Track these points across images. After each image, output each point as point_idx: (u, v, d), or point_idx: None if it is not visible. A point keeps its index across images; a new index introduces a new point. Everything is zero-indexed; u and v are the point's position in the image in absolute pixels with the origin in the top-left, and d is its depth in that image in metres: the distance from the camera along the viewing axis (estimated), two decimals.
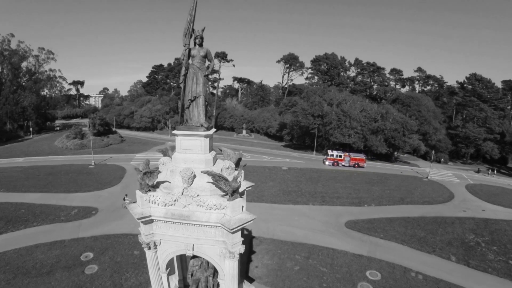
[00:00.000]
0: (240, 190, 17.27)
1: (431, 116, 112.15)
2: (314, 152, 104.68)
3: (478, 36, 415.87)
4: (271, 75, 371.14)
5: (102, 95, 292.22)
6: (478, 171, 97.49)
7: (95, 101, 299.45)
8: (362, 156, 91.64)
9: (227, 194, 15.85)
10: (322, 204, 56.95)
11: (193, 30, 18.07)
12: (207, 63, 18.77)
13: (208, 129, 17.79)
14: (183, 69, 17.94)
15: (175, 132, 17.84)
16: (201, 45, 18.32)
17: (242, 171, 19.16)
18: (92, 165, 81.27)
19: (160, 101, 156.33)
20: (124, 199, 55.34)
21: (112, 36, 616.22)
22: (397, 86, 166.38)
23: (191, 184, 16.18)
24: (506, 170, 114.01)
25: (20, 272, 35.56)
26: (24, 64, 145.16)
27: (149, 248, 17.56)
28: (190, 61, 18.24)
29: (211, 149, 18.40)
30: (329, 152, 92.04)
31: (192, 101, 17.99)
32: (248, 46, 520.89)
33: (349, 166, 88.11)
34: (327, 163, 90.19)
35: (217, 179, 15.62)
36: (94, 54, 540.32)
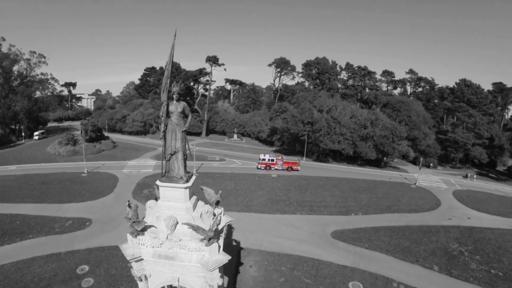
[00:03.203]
0: (220, 226, 19.72)
1: (421, 121, 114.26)
2: (304, 158, 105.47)
3: (470, 39, 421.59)
4: (264, 75, 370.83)
5: (95, 97, 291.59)
6: (466, 176, 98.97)
7: (88, 102, 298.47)
8: (295, 159, 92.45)
9: (205, 239, 17.85)
10: (309, 214, 57.89)
11: (170, 85, 19.56)
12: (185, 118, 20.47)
13: (187, 181, 19.64)
14: (162, 125, 19.60)
15: (158, 183, 19.72)
16: (178, 100, 19.79)
17: (222, 209, 22.08)
18: (85, 173, 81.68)
19: (152, 105, 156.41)
20: (129, 206, 56.65)
21: (105, 35, 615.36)
22: (389, 88, 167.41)
23: (174, 230, 18.37)
24: (495, 173, 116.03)
25: (19, 286, 36.37)
26: (15, 68, 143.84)
27: (141, 280, 19.67)
28: (168, 116, 19.96)
29: (191, 196, 20.27)
30: (261, 156, 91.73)
31: (172, 155, 19.69)
32: (241, 46, 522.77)
33: (282, 169, 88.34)
34: (259, 167, 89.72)
35: (196, 229, 17.78)
36: (87, 54, 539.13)
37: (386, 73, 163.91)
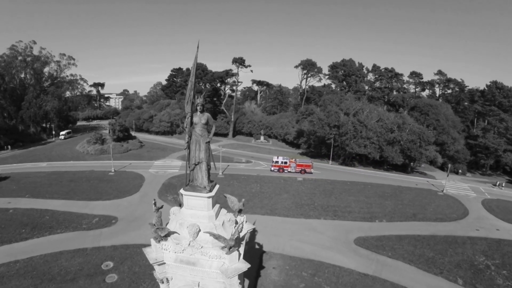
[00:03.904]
0: (242, 234, 20.04)
1: (450, 126, 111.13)
2: (330, 161, 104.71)
3: (503, 37, 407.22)
4: (291, 76, 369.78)
5: (122, 97, 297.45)
6: (496, 184, 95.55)
7: (115, 102, 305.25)
8: (308, 162, 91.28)
9: (226, 247, 18.33)
10: (333, 219, 57.34)
11: (194, 97, 19.96)
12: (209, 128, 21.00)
13: (210, 190, 20.19)
14: (187, 136, 20.12)
15: (182, 192, 20.36)
16: (202, 111, 20.17)
17: (244, 217, 22.46)
18: (112, 172, 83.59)
19: (179, 105, 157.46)
20: (154, 204, 58.13)
21: (132, 36, 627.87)
22: (417, 90, 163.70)
23: (196, 237, 18.92)
24: None
25: (46, 278, 37.92)
26: (46, 69, 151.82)
27: (163, 282, 20.41)
28: (192, 127, 20.46)
29: (214, 204, 20.82)
30: (274, 158, 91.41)
31: (196, 165, 20.15)
32: (268, 47, 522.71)
33: (295, 172, 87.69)
34: (272, 169, 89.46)
35: (217, 237, 18.27)
36: (115, 54, 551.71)
37: (414, 74, 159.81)
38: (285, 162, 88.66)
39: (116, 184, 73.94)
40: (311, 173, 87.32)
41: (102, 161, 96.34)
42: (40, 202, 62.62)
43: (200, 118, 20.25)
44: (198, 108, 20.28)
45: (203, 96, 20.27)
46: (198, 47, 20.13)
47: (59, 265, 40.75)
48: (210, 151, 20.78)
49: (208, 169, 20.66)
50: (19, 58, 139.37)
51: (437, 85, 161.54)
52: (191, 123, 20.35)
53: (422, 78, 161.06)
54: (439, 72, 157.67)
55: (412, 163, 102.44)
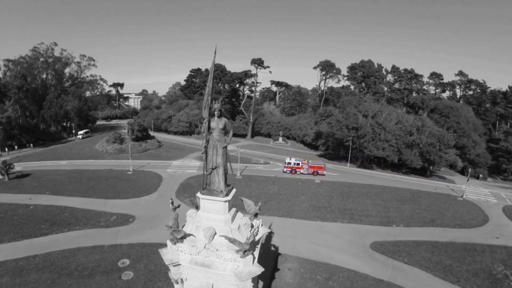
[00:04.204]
0: (257, 238, 20.43)
1: (471, 128, 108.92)
2: (348, 163, 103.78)
3: None
4: (310, 76, 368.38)
5: (141, 97, 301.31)
6: None
7: (134, 102, 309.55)
8: (321, 163, 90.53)
9: (241, 251, 18.52)
10: (350, 222, 56.84)
11: (211, 101, 20.11)
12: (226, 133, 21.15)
13: (227, 195, 20.37)
14: (204, 141, 20.29)
15: (199, 195, 20.63)
16: (220, 116, 20.30)
17: (260, 220, 22.62)
18: (130, 171, 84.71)
19: (198, 106, 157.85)
20: (172, 203, 59.11)
21: (151, 36, 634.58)
22: (437, 91, 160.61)
23: (212, 240, 19.17)
24: None
25: (64, 273, 39.06)
26: (67, 70, 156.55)
27: (177, 283, 20.78)
28: (210, 132, 20.63)
29: (230, 208, 20.98)
30: (287, 160, 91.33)
31: (213, 169, 20.39)
32: (286, 47, 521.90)
33: (307, 174, 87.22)
34: (285, 170, 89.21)
35: (232, 241, 18.50)
36: (134, 54, 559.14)
37: (434, 75, 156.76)
38: (298, 164, 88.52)
39: (134, 183, 74.94)
40: (324, 175, 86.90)
41: (120, 160, 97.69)
42: (60, 199, 64.28)
43: (218, 123, 20.39)
44: (215, 113, 20.39)
45: (220, 101, 20.32)
46: (215, 53, 20.28)
47: (77, 261, 41.94)
48: (227, 156, 20.99)
49: (225, 174, 20.86)
50: (41, 59, 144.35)
51: (458, 86, 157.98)
52: (209, 128, 20.49)
53: (442, 79, 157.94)
54: (460, 73, 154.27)
55: (431, 167, 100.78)
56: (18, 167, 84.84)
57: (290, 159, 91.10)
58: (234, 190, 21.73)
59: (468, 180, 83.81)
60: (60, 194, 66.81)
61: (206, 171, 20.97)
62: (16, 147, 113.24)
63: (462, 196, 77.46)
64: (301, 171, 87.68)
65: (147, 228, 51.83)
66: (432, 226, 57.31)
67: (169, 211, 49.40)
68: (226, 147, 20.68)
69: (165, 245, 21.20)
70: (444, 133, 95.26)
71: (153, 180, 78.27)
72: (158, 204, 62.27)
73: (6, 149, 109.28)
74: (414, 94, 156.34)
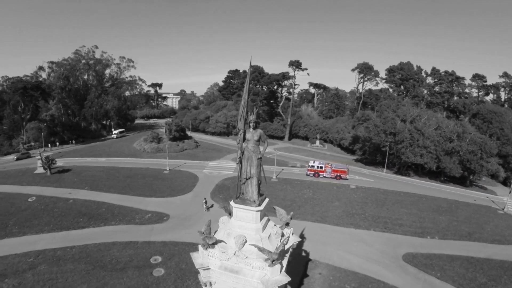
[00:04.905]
0: (287, 246, 20.75)
1: None
2: (385, 169, 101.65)
3: None
4: (348, 78, 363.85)
5: (179, 97, 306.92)
6: None
7: (172, 102, 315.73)
8: (344, 167, 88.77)
9: (269, 260, 18.87)
10: (383, 231, 55.58)
11: (247, 113, 20.39)
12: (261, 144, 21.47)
13: (259, 204, 20.84)
14: (239, 151, 20.81)
15: (232, 204, 21.16)
16: (255, 128, 20.62)
17: (291, 229, 23.19)
18: (166, 170, 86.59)
19: (235, 107, 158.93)
20: (205, 202, 61.41)
21: (189, 37, 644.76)
22: (480, 94, 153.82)
23: (242, 247, 19.67)
24: None
25: (98, 265, 41.04)
26: (107, 71, 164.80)
27: (206, 286, 21.55)
28: (244, 144, 21.00)
29: (262, 217, 21.43)
30: (310, 163, 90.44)
31: (247, 179, 20.84)
32: (324, 48, 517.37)
33: (330, 177, 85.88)
34: (308, 173, 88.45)
35: (262, 250, 18.86)
36: (173, 54, 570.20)
37: (477, 77, 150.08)
38: (321, 167, 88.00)
39: (170, 183, 76.57)
40: (347, 179, 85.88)
41: (157, 159, 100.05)
42: (97, 194, 67.17)
43: (253, 135, 20.74)
44: (251, 124, 20.72)
45: (256, 113, 20.58)
46: (250, 64, 20.61)
47: (111, 255, 43.87)
48: (261, 167, 21.32)
49: (259, 184, 21.21)
50: (83, 61, 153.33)
51: (502, 89, 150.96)
52: (244, 139, 20.90)
53: (485, 81, 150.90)
54: (505, 75, 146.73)
55: (471, 176, 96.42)
56: (59, 162, 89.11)
57: (314, 162, 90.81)
58: (266, 200, 22.13)
59: (510, 192, 79.04)
60: (98, 190, 69.76)
61: (240, 180, 21.35)
62: (57, 143, 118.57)
63: (503, 209, 73.54)
64: (324, 175, 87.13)
65: (181, 227, 53.04)
66: (468, 240, 54.52)
67: (203, 211, 51.35)
68: (260, 158, 20.99)
69: (197, 245, 21.87)
70: (486, 140, 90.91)
71: (189, 180, 79.57)
72: (193, 204, 63.48)
73: (49, 145, 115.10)
74: (455, 98, 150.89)
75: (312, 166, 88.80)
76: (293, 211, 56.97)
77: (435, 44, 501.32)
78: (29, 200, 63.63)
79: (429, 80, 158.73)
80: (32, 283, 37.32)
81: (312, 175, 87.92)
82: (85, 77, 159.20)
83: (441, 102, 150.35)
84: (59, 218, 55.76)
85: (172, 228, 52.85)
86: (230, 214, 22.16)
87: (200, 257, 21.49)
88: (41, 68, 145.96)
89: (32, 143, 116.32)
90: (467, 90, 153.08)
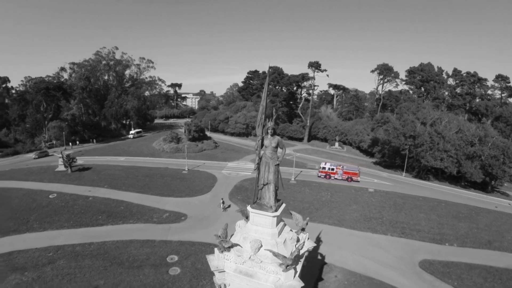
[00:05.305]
0: (302, 251, 21.22)
1: None
2: (404, 173, 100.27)
3: None
4: (368, 78, 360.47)
5: (199, 97, 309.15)
6: None
7: (192, 102, 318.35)
8: (355, 169, 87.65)
9: (283, 265, 19.19)
10: (400, 236, 54.58)
11: (265, 120, 20.59)
12: (278, 150, 21.69)
13: (276, 210, 21.16)
14: (257, 157, 21.14)
15: (249, 209, 21.61)
16: (273, 134, 20.77)
17: (307, 234, 23.48)
18: (185, 170, 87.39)
19: (255, 108, 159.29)
20: (223, 202, 62.16)
21: (208, 38, 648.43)
22: (503, 96, 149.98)
23: (257, 252, 20.09)
24: None
25: (116, 262, 42.06)
26: (127, 72, 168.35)
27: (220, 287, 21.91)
28: (262, 150, 21.38)
29: (278, 223, 21.76)
30: (322, 164, 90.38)
31: (264, 185, 21.16)
32: (342, 48, 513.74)
33: (341, 179, 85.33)
34: (319, 175, 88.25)
35: (276, 255, 19.23)
36: (192, 55, 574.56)
37: (500, 78, 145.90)
38: (332, 169, 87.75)
39: (188, 183, 77.30)
40: (358, 181, 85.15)
41: (176, 159, 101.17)
42: (116, 193, 68.48)
43: (271, 141, 20.99)
44: (269, 131, 21.00)
45: (274, 120, 20.87)
46: (268, 71, 20.81)
47: (128, 252, 44.86)
48: (279, 173, 21.57)
49: (276, 190, 21.51)
50: (103, 62, 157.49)
51: None
52: (262, 145, 21.14)
53: (509, 82, 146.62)
54: None
55: (493, 182, 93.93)
56: (80, 160, 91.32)
57: (326, 163, 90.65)
58: (283, 206, 22.47)
59: None
60: (117, 189, 71.07)
61: (258, 186, 21.66)
62: (77, 142, 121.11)
63: None
64: (336, 177, 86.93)
65: (198, 227, 53.58)
66: (488, 249, 52.50)
67: (220, 211, 51.54)
68: (278, 164, 21.20)
69: (214, 245, 22.18)
70: (509, 145, 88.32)
71: (207, 180, 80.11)
72: (211, 205, 63.99)
73: (70, 143, 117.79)
74: (477, 100, 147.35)
75: (324, 168, 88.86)
76: (311, 214, 57.68)
77: (457, 44, 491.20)
78: (50, 196, 65.51)
79: (450, 81, 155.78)
80: (51, 277, 38.53)
81: (323, 176, 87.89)
82: (106, 77, 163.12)
83: (463, 104, 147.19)
84: (79, 215, 57.28)
85: (189, 228, 53.45)
86: (247, 218, 22.54)
87: (215, 260, 21.97)
88: (62, 69, 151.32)
89: (54, 142, 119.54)
90: (489, 92, 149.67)
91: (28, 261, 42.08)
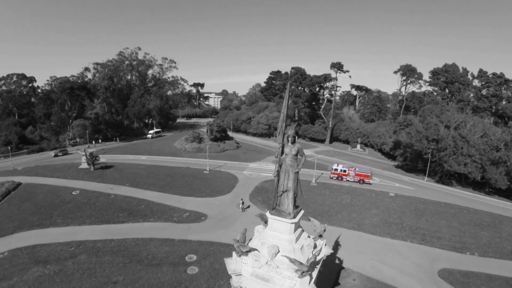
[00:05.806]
0: (318, 258, 21.56)
1: None
2: (426, 177, 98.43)
3: None
4: (390, 79, 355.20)
5: (221, 97, 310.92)
6: None
7: (214, 101, 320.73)
8: (367, 171, 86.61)
9: (299, 271, 19.42)
10: (420, 243, 53.41)
11: (285, 128, 20.83)
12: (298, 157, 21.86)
13: (294, 217, 21.42)
14: (277, 165, 21.47)
15: (268, 215, 21.97)
16: (293, 142, 21.08)
17: (324, 241, 23.77)
18: (206, 170, 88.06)
19: (277, 108, 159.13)
20: (242, 203, 62.66)
21: (231, 38, 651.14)
22: None
23: (274, 257, 20.39)
24: None
25: (135, 259, 42.94)
26: (150, 72, 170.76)
27: None
28: (282, 157, 21.64)
29: (296, 229, 22.01)
30: (334, 166, 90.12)
31: (283, 192, 21.48)
32: (364, 49, 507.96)
33: (353, 181, 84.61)
34: (331, 177, 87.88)
35: (293, 261, 19.44)
36: (215, 54, 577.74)
37: None
38: (344, 171, 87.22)
39: (209, 183, 77.90)
40: (370, 183, 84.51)
41: (198, 159, 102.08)
42: (138, 191, 69.69)
43: (291, 149, 21.19)
44: (289, 139, 21.22)
45: (294, 128, 20.97)
46: (290, 78, 20.95)
47: (148, 250, 45.76)
48: (298, 181, 21.71)
49: (295, 197, 21.72)
50: (126, 62, 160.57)
51: None
52: (282, 152, 21.46)
53: None
54: None
55: None
56: (102, 159, 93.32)
57: (338, 165, 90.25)
58: (301, 212, 22.73)
59: None
60: (138, 187, 72.31)
61: (277, 193, 21.97)
62: (100, 140, 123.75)
63: None
64: (348, 179, 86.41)
65: (218, 228, 54.04)
66: (511, 260, 50.44)
67: (240, 212, 51.28)
68: (297, 172, 21.37)
69: (233, 246, 22.59)
70: None
71: (228, 181, 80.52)
72: (232, 205, 64.42)
73: (93, 142, 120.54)
74: (503, 102, 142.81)
75: (336, 170, 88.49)
76: (330, 217, 57.94)
77: (483, 44, 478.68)
78: (73, 193, 67.39)
79: (476, 83, 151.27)
80: (72, 270, 39.67)
81: (335, 178, 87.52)
82: (129, 77, 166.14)
83: (488, 107, 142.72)
84: (100, 212, 58.77)
85: (209, 228, 53.90)
86: (265, 222, 22.77)
87: (233, 263, 22.37)
88: (87, 69, 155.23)
89: (78, 140, 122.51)
90: None
91: (50, 255, 43.61)
